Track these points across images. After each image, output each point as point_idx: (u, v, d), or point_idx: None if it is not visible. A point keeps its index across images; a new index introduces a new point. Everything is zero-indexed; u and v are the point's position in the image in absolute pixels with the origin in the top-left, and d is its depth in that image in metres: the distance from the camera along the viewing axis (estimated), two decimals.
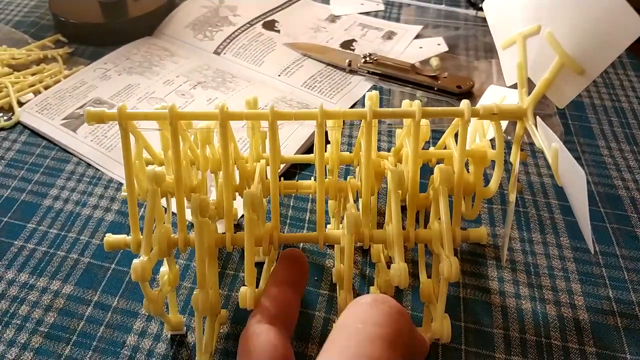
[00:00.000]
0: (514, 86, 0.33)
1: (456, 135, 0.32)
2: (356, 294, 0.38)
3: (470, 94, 0.58)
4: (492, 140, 0.34)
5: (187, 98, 0.55)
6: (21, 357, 0.34)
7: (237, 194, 0.36)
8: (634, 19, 0.23)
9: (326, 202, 0.43)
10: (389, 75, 0.59)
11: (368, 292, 0.38)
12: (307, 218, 0.44)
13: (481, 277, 0.40)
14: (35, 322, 0.36)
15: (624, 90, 0.60)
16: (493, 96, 0.41)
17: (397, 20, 0.71)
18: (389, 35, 0.67)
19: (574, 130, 0.54)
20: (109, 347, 0.35)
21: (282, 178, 0.41)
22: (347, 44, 0.66)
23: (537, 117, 0.29)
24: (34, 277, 0.39)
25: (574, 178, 0.25)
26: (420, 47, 0.65)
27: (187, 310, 0.37)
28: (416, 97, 0.57)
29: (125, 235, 0.32)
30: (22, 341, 0.35)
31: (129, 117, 0.29)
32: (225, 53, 0.63)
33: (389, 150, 0.51)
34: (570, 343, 0.36)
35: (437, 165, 0.31)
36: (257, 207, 0.29)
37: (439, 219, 0.31)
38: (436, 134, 0.52)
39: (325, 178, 0.36)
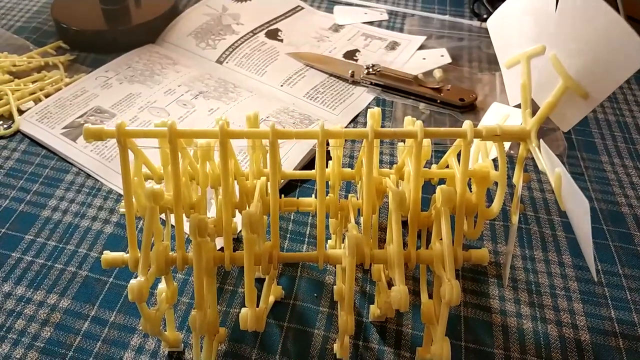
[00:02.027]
0: (518, 105, 0.32)
1: (459, 155, 0.31)
2: (356, 312, 0.38)
3: (473, 107, 0.58)
4: (495, 160, 0.33)
5: (188, 108, 0.55)
6: None
7: (236, 210, 0.36)
8: (638, 46, 0.23)
9: (327, 217, 0.43)
10: (392, 87, 0.59)
11: (368, 310, 0.38)
12: (307, 232, 0.44)
13: (482, 296, 0.39)
14: (32, 336, 0.36)
15: (628, 105, 0.60)
16: (496, 114, 0.40)
17: (401, 30, 0.70)
18: (393, 46, 0.67)
19: (577, 144, 0.54)
20: None
21: (282, 195, 0.41)
22: (351, 54, 0.65)
23: (541, 141, 0.29)
24: (31, 290, 0.39)
25: (577, 205, 0.25)
26: (424, 58, 0.65)
27: (185, 327, 0.37)
28: (419, 110, 0.57)
29: (123, 253, 0.31)
30: (18, 356, 0.35)
31: (127, 134, 0.29)
32: (227, 62, 0.63)
33: (390, 163, 0.51)
34: None
35: (439, 186, 0.31)
36: (256, 227, 0.29)
37: (441, 239, 0.30)
38: (438, 153, 0.51)
39: (327, 194, 0.36)
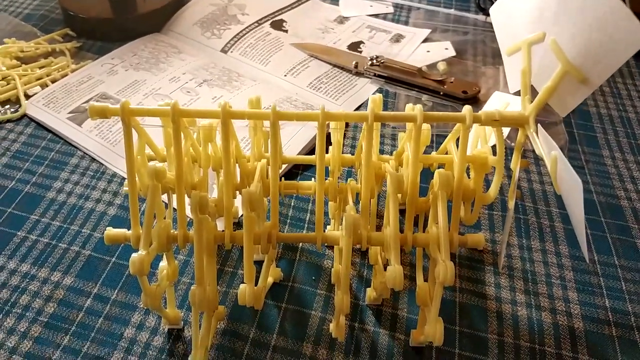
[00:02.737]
0: (518, 93, 0.33)
1: (458, 141, 0.32)
2: (353, 295, 0.39)
3: (476, 100, 0.58)
4: (494, 147, 0.34)
5: (192, 95, 0.56)
6: (20, 346, 0.35)
7: (237, 192, 0.36)
8: (637, 29, 0.24)
9: (326, 204, 0.43)
10: (395, 79, 0.59)
11: (365, 294, 0.38)
12: (307, 218, 0.44)
13: (478, 283, 0.40)
14: (36, 311, 0.37)
15: (631, 100, 0.60)
16: (497, 102, 0.41)
17: (406, 23, 0.71)
18: (397, 38, 0.67)
19: (578, 139, 0.54)
20: (107, 339, 0.35)
21: (283, 178, 0.42)
22: (355, 46, 0.66)
23: (539, 125, 0.29)
24: (36, 267, 0.39)
25: (571, 186, 0.25)
26: (428, 51, 0.65)
27: (185, 306, 0.37)
28: (422, 101, 0.58)
29: (126, 230, 0.32)
30: (22, 330, 0.36)
31: (131, 112, 0.29)
32: (232, 51, 0.64)
33: (392, 154, 0.51)
34: (564, 351, 0.36)
35: (437, 170, 0.31)
36: (256, 206, 0.29)
37: (437, 223, 0.31)
38: (440, 139, 0.52)
39: (326, 179, 0.36)
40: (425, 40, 0.67)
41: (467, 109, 0.30)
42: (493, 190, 0.32)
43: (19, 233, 0.42)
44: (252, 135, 0.35)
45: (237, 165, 0.36)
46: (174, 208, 0.41)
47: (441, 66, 0.62)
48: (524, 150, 0.51)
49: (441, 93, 0.58)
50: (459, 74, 0.61)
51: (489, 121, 0.30)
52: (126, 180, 0.32)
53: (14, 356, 0.34)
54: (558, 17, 0.28)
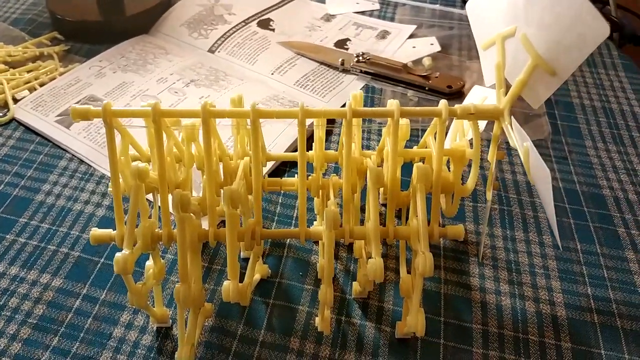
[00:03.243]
0: (493, 85, 0.33)
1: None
2: (340, 289, 0.39)
3: (460, 94, 0.58)
4: (472, 140, 0.34)
5: (179, 96, 0.56)
6: (10, 348, 0.35)
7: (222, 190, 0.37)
8: (600, 23, 0.24)
9: (312, 200, 0.44)
10: (381, 75, 0.60)
11: (351, 287, 0.39)
12: (295, 215, 0.45)
13: (462, 274, 0.40)
14: (25, 313, 0.37)
15: (614, 92, 0.61)
16: (477, 96, 0.41)
17: (392, 19, 0.71)
18: (383, 35, 0.68)
19: (562, 130, 0.55)
20: (96, 339, 0.36)
21: (266, 176, 0.42)
22: (341, 43, 0.66)
23: (512, 118, 0.30)
24: (25, 270, 0.40)
25: (541, 175, 0.26)
26: (414, 47, 0.66)
27: (173, 305, 0.38)
28: (407, 97, 0.58)
29: (112, 230, 0.32)
30: (11, 332, 0.36)
31: (113, 114, 0.30)
32: (219, 51, 0.64)
33: None
34: (546, 339, 0.37)
35: (416, 164, 0.32)
36: (238, 203, 0.30)
37: (417, 216, 0.31)
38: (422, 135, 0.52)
39: (311, 176, 0.37)
40: (411, 36, 0.68)
41: (442, 103, 0.31)
42: (470, 182, 0.32)
43: (7, 236, 0.42)
44: (235, 134, 0.36)
45: (220, 164, 0.36)
46: (159, 207, 0.42)
47: (427, 61, 0.62)
48: (506, 145, 0.51)
49: (426, 88, 0.58)
50: (444, 68, 0.62)
51: (465, 114, 0.31)
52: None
53: (3, 358, 0.35)
54: (527, 12, 0.28)
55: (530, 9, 0.28)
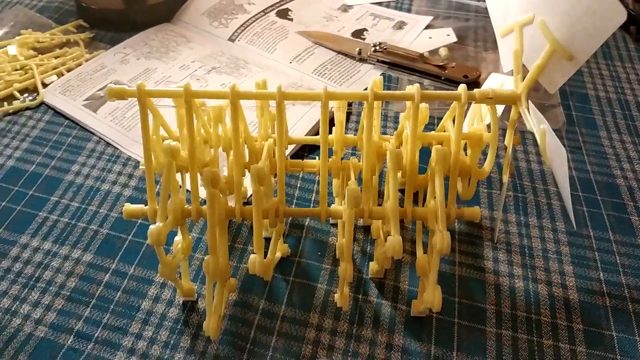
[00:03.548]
0: (511, 72, 0.34)
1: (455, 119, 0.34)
2: (357, 269, 0.40)
3: (476, 84, 0.59)
4: (489, 125, 0.35)
5: (201, 82, 0.58)
6: (45, 317, 0.37)
7: (246, 171, 0.38)
8: (618, 7, 0.25)
9: (331, 183, 0.45)
10: (398, 64, 0.61)
11: (368, 268, 0.40)
12: (312, 198, 0.46)
13: (477, 257, 0.42)
14: (58, 286, 0.39)
15: (629, 84, 0.61)
16: (494, 83, 0.42)
17: (409, 10, 0.72)
18: (400, 25, 0.69)
19: (576, 120, 0.55)
20: (125, 311, 0.38)
21: (288, 158, 0.43)
22: (358, 33, 0.67)
23: (530, 102, 0.31)
24: (57, 245, 0.42)
25: (557, 156, 0.27)
26: (430, 38, 0.67)
27: (198, 279, 0.40)
28: (423, 86, 0.59)
29: (143, 205, 0.34)
30: (46, 302, 0.38)
31: (147, 94, 0.31)
32: (239, 40, 0.65)
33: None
34: (559, 320, 0.38)
35: (435, 146, 0.33)
36: (264, 181, 0.31)
37: (435, 197, 0.33)
38: (439, 120, 0.53)
39: (331, 158, 0.38)
40: (428, 27, 0.68)
41: (462, 87, 0.32)
42: (487, 165, 0.33)
43: (40, 213, 0.44)
44: (259, 116, 0.37)
45: (245, 145, 0.38)
46: (187, 190, 0.44)
47: (443, 52, 0.63)
48: (521, 132, 0.52)
49: (442, 78, 0.59)
50: (460, 59, 0.63)
51: (483, 99, 0.32)
52: (142, 160, 0.34)
53: (40, 327, 0.37)
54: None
55: None
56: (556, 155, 0.27)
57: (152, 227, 0.30)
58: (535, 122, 0.30)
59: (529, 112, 0.31)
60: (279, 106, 0.32)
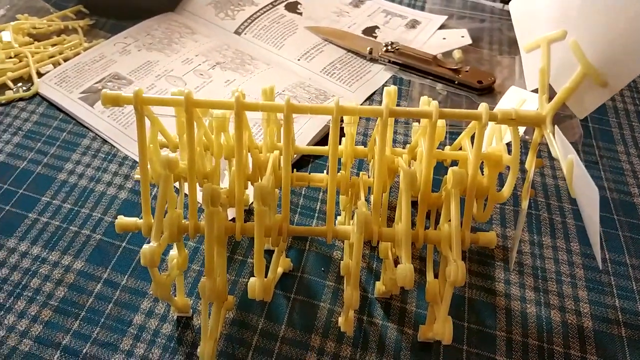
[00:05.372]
0: (535, 90, 0.32)
1: (472, 137, 0.31)
2: (362, 288, 0.39)
3: (491, 90, 0.57)
4: (509, 144, 0.33)
5: (205, 78, 0.55)
6: (31, 329, 0.35)
7: (249, 182, 0.36)
8: None
9: (337, 194, 0.43)
10: (410, 66, 0.59)
11: (374, 287, 0.38)
12: (317, 208, 0.44)
13: (488, 279, 0.40)
14: (46, 295, 0.37)
15: None
16: (513, 98, 0.40)
17: (422, 9, 0.69)
18: (413, 24, 0.66)
19: (593, 133, 0.53)
20: (117, 325, 0.36)
21: (294, 169, 0.41)
22: (370, 31, 0.65)
23: (556, 127, 0.29)
24: (46, 250, 0.40)
25: (587, 193, 0.25)
26: (444, 38, 0.64)
27: (194, 293, 0.38)
28: (436, 90, 0.57)
29: (137, 219, 0.32)
30: (33, 313, 0.36)
31: (145, 101, 0.29)
32: (245, 33, 0.63)
33: (404, 143, 0.51)
34: (572, 350, 0.36)
35: (451, 167, 0.31)
36: (268, 199, 0.29)
37: (449, 221, 0.30)
38: (453, 136, 0.51)
39: (339, 171, 0.36)
40: (442, 27, 0.66)
41: (483, 107, 0.29)
42: (507, 189, 0.31)
43: (30, 215, 0.42)
44: (265, 127, 0.35)
45: (249, 155, 0.36)
46: (185, 194, 0.42)
47: (457, 54, 0.61)
48: (538, 145, 0.50)
49: (456, 82, 0.57)
50: (474, 62, 0.60)
51: (506, 120, 0.30)
52: (138, 166, 0.31)
53: (25, 340, 0.35)
54: (581, 16, 0.27)
55: (586, 13, 0.27)
56: (585, 193, 0.25)
57: (145, 247, 0.28)
58: (562, 149, 0.27)
59: (554, 137, 0.29)
60: (287, 120, 0.29)
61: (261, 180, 0.34)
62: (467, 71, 0.57)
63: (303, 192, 0.45)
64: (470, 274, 0.40)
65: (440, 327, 0.30)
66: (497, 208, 0.45)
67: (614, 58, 0.26)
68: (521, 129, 0.34)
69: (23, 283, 0.38)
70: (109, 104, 0.29)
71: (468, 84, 0.56)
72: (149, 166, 0.31)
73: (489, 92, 0.57)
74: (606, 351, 0.36)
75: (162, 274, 0.31)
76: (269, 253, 0.39)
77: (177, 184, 0.36)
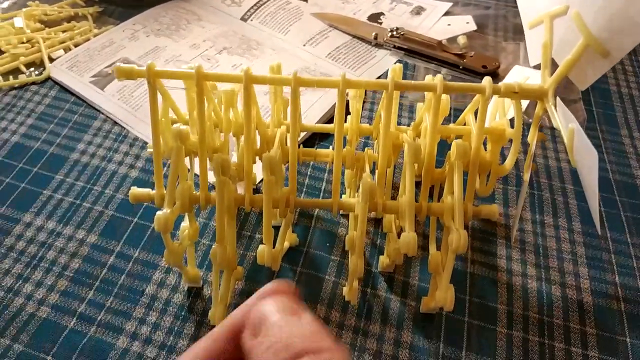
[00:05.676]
0: (539, 67, 0.33)
1: (476, 112, 0.32)
2: (366, 262, 0.40)
3: (495, 75, 0.57)
4: (511, 120, 0.34)
5: (212, 63, 0.56)
6: (48, 298, 0.36)
7: (257, 157, 0.37)
8: None
9: (342, 173, 0.44)
10: (415, 51, 0.59)
11: (377, 261, 0.39)
12: (323, 187, 0.45)
13: (490, 255, 0.41)
14: (62, 266, 0.38)
15: None
16: (517, 76, 0.41)
17: None
18: (418, 11, 0.67)
19: (597, 117, 0.54)
20: (129, 294, 0.37)
21: (301, 146, 0.42)
22: (375, 17, 0.65)
23: (557, 98, 0.30)
24: (61, 225, 0.41)
25: (587, 157, 0.26)
26: (449, 25, 0.65)
27: (205, 266, 0.39)
28: (441, 75, 0.57)
29: (150, 190, 0.33)
30: (49, 283, 0.37)
31: (157, 74, 0.30)
32: (252, 20, 0.64)
33: (409, 125, 0.51)
34: (571, 323, 0.37)
35: (455, 140, 0.32)
36: (275, 170, 0.30)
37: (452, 193, 0.31)
38: (457, 112, 0.52)
39: (344, 148, 0.37)
40: (446, 14, 0.66)
41: (487, 80, 0.30)
42: (509, 162, 0.32)
43: (44, 191, 0.43)
44: (272, 102, 0.36)
45: (257, 131, 0.36)
46: (195, 174, 0.43)
47: (461, 40, 0.61)
48: (540, 126, 0.51)
49: (460, 67, 0.57)
50: (479, 48, 0.61)
51: (509, 93, 0.31)
52: (150, 142, 0.32)
53: (42, 307, 0.36)
54: None
55: None
56: (585, 157, 0.26)
57: (159, 213, 0.29)
58: (563, 120, 0.28)
59: (556, 108, 0.30)
60: (294, 93, 0.30)
61: None
62: (471, 56, 0.58)
63: (308, 172, 0.46)
64: (472, 250, 0.41)
65: (442, 295, 0.31)
66: (499, 188, 0.46)
67: (615, 28, 0.26)
68: (524, 105, 0.34)
69: (40, 255, 0.39)
70: (122, 77, 0.30)
71: (473, 69, 0.57)
72: (160, 140, 0.32)
73: (493, 76, 0.57)
74: (605, 324, 0.37)
75: (174, 242, 0.32)
76: (276, 229, 0.40)
77: (188, 162, 0.37)
